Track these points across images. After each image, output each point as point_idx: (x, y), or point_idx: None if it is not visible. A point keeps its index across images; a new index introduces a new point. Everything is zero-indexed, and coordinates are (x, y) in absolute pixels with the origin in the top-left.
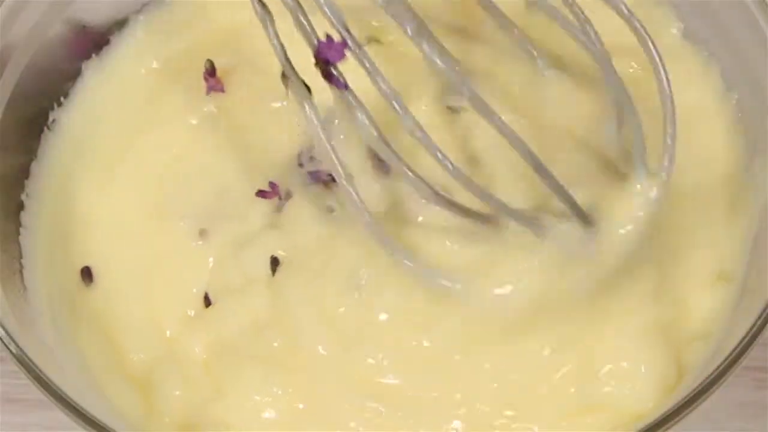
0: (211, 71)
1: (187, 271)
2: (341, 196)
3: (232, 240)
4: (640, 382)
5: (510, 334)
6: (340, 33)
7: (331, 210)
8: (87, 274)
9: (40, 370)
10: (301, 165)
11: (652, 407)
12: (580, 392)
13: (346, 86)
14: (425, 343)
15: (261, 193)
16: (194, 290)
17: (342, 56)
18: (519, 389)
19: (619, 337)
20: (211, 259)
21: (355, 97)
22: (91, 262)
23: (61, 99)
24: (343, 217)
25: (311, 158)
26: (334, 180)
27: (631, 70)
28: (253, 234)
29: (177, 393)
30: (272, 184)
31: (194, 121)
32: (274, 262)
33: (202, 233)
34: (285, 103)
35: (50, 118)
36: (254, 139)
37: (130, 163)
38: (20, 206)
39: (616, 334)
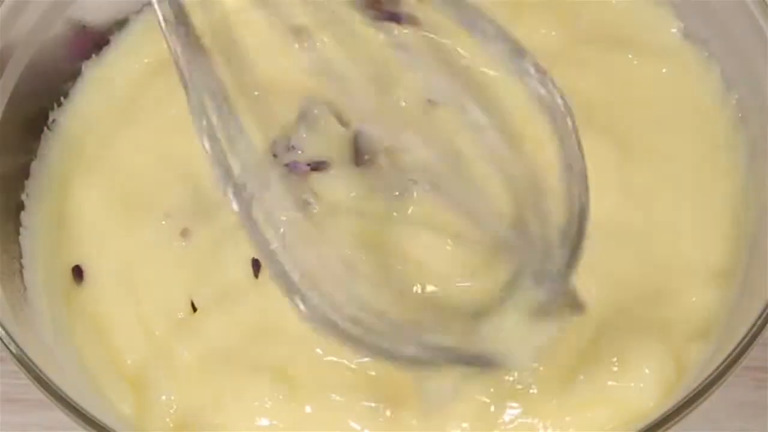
0: None
1: (172, 274)
2: (320, 187)
3: (211, 240)
4: (643, 381)
5: None
6: None
7: (306, 203)
8: (78, 273)
9: (40, 370)
10: (275, 156)
11: (653, 406)
12: (582, 389)
13: (178, 4)
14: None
15: None
16: (182, 293)
17: None
18: (522, 385)
19: (621, 336)
20: (195, 261)
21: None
22: (82, 261)
23: (61, 99)
24: (321, 210)
25: (290, 147)
26: (313, 169)
27: (636, 62)
28: (229, 232)
29: (171, 397)
30: None
31: (173, 111)
32: (256, 264)
33: (184, 233)
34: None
35: (50, 118)
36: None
37: (115, 160)
38: (20, 206)
39: (619, 332)
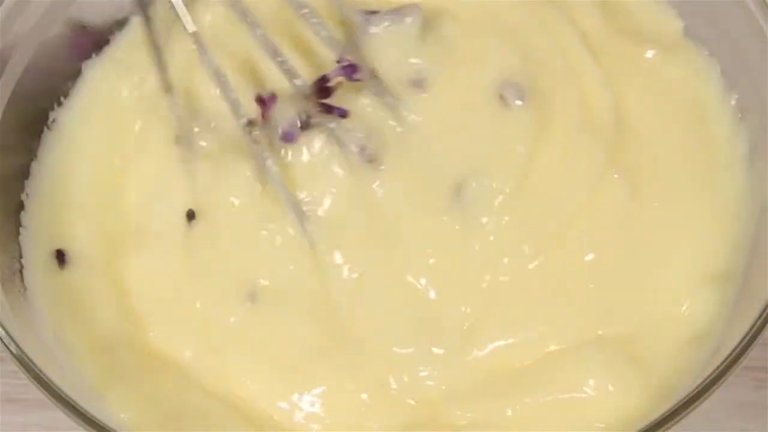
0: None
1: None
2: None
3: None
4: (611, 398)
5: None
6: None
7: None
8: (60, 256)
9: (40, 370)
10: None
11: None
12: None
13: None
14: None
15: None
16: None
17: None
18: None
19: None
20: None
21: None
22: (65, 245)
23: (61, 99)
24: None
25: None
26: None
27: (648, 55)
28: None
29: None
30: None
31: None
32: (190, 215)
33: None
34: None
35: (50, 118)
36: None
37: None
38: (20, 206)
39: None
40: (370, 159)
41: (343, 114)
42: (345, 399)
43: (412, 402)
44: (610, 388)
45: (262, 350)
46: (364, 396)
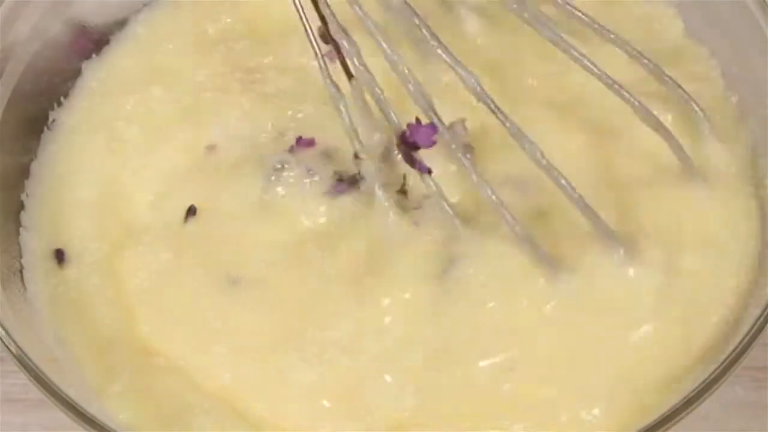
0: None
1: None
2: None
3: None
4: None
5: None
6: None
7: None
8: (60, 256)
9: (40, 370)
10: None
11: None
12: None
13: (429, 171)
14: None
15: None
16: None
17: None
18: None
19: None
20: None
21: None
22: (65, 245)
23: (61, 99)
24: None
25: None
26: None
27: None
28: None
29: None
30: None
31: (169, 111)
32: (191, 211)
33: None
34: None
35: (50, 118)
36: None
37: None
38: (20, 206)
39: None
40: (416, 222)
41: (426, 171)
42: (310, 400)
43: (375, 418)
44: (596, 411)
45: (238, 341)
46: (325, 403)
